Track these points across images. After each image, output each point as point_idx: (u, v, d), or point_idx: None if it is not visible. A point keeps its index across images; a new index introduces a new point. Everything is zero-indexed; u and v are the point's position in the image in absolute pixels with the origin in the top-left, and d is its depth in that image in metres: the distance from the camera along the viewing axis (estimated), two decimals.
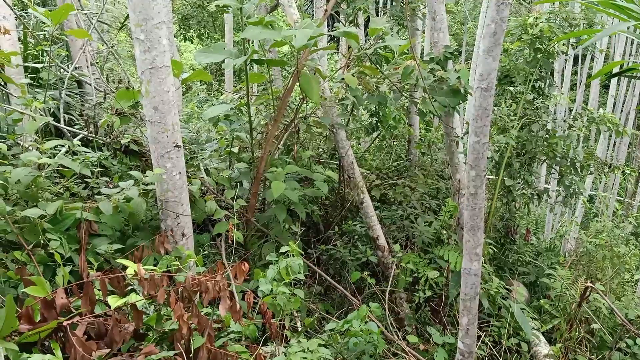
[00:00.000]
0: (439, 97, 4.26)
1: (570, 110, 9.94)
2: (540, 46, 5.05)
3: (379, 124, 5.43)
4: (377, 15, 9.14)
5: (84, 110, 4.42)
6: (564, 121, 5.58)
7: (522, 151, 5.16)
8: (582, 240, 5.97)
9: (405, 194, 5.03)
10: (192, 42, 17.75)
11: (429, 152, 5.88)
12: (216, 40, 16.30)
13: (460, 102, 4.25)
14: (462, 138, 4.66)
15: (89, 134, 4.11)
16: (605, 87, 12.09)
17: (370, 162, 6.02)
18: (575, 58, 11.86)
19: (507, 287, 4.32)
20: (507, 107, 5.21)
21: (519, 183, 5.26)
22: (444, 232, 4.52)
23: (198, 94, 10.33)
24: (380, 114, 5.33)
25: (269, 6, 6.19)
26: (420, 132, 6.41)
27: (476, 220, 2.55)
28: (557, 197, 5.63)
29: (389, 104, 4.54)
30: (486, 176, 2.68)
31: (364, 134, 6.38)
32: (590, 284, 4.27)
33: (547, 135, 5.13)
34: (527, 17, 5.23)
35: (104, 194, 3.03)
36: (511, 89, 5.39)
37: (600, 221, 5.86)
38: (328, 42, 6.43)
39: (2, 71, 4.12)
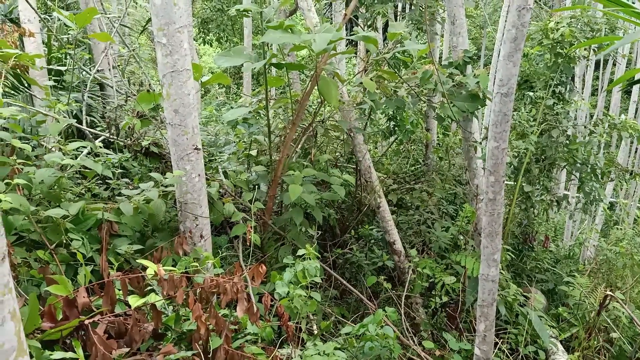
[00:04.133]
0: (457, 102, 4.25)
1: (591, 116, 9.81)
2: (561, 51, 5.00)
3: (396, 128, 5.42)
4: (396, 20, 9.13)
5: (105, 113, 4.49)
6: (585, 127, 5.51)
7: (541, 157, 5.10)
8: (602, 248, 5.88)
9: (423, 199, 5.01)
10: (211, 46, 17.92)
11: (446, 156, 5.86)
12: (235, 43, 16.42)
13: (479, 107, 4.23)
14: (480, 143, 4.63)
15: (111, 136, 4.17)
16: (627, 92, 11.92)
17: (388, 166, 6.01)
18: (597, 63, 11.71)
19: (524, 294, 4.27)
20: (527, 112, 5.17)
21: (537, 189, 5.21)
22: (461, 237, 4.50)
23: (217, 97, 10.42)
24: (398, 118, 5.33)
25: (288, 10, 6.23)
26: (438, 136, 6.39)
27: (494, 226, 2.54)
28: (577, 204, 5.56)
29: (407, 108, 4.53)
30: (505, 182, 2.66)
31: (381, 138, 6.37)
32: (610, 293, 4.21)
33: (568, 141, 5.07)
34: (548, 22, 5.19)
35: (124, 195, 3.08)
36: (531, 94, 5.35)
37: (621, 229, 5.77)
38: (346, 46, 6.44)
39: (26, 73, 4.21)
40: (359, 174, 4.79)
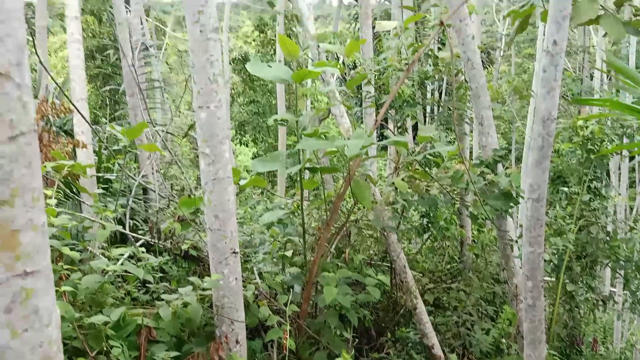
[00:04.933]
0: (490, 200, 4.28)
1: (631, 209, 9.59)
2: (592, 147, 5.05)
3: (430, 225, 5.43)
4: (425, 120, 9.45)
5: (148, 216, 4.69)
6: (625, 222, 5.40)
7: (582, 254, 4.98)
8: None
9: (460, 299, 4.88)
10: (247, 146, 18.74)
11: (482, 254, 5.77)
12: (270, 144, 17.14)
13: (513, 205, 4.24)
14: (516, 242, 4.58)
15: (152, 240, 4.32)
16: None
17: (422, 265, 5.94)
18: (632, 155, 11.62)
19: None
20: (562, 208, 5.13)
21: (581, 287, 5.02)
22: (503, 340, 4.31)
23: (252, 197, 10.72)
24: (431, 215, 5.36)
25: (321, 116, 6.56)
26: (472, 233, 6.34)
27: (537, 334, 2.46)
28: (624, 303, 5.30)
29: (440, 206, 4.58)
30: (546, 280, 2.61)
31: (415, 235, 6.36)
32: None
33: (608, 238, 4.96)
34: (576, 119, 5.29)
35: (164, 300, 3.14)
36: (565, 189, 5.33)
37: None
38: (379, 150, 6.66)
39: (77, 181, 4.49)
40: (394, 273, 4.75)
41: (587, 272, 4.97)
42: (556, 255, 4.83)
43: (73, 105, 4.20)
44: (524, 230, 2.33)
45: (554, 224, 4.87)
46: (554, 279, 5.05)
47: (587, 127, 5.06)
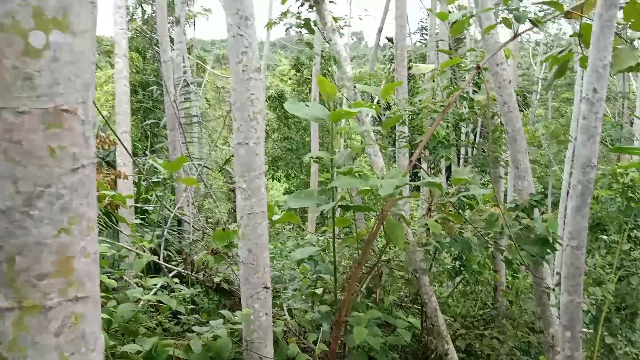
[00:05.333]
0: (526, 245, 4.19)
1: None
2: (632, 195, 4.92)
3: (462, 269, 5.34)
4: (459, 161, 9.41)
5: (182, 248, 4.77)
6: None
7: (622, 305, 4.79)
8: None
9: (493, 347, 4.74)
10: (279, 181, 18.95)
11: (517, 301, 5.60)
12: (302, 180, 17.29)
13: (549, 252, 4.14)
14: (553, 290, 4.45)
15: (185, 271, 4.39)
16: None
17: (454, 309, 5.80)
18: None
19: None
20: (602, 257, 4.98)
21: (620, 341, 4.81)
22: None
23: (283, 232, 10.81)
24: (464, 258, 5.27)
25: (355, 154, 6.61)
26: (506, 278, 6.19)
27: None
28: None
29: (473, 250, 4.51)
30: (583, 331, 2.52)
31: (446, 278, 6.25)
32: None
33: None
34: (616, 166, 5.19)
35: (195, 332, 3.16)
36: (605, 237, 5.19)
37: None
38: (411, 189, 6.65)
39: (116, 211, 4.63)
40: (425, 316, 4.66)
41: (627, 325, 4.77)
42: (595, 306, 4.66)
43: (117, 138, 4.38)
44: (562, 278, 2.28)
45: (593, 273, 4.72)
46: (592, 331, 4.86)
47: (627, 175, 4.95)
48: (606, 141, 13.48)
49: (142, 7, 17.39)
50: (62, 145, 1.04)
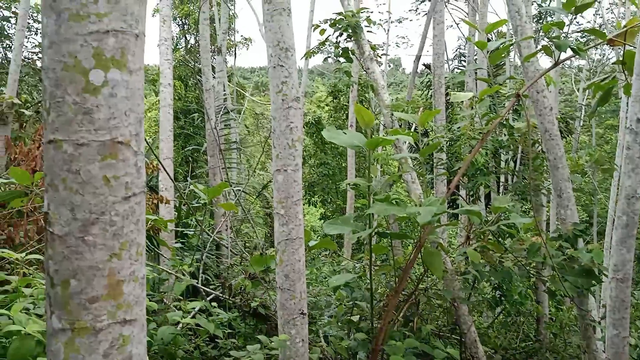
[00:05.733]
0: (570, 276, 4.07)
1: None
2: None
3: (503, 299, 5.20)
4: (498, 188, 9.25)
5: (220, 272, 4.84)
6: None
7: None
8: None
9: None
10: (315, 206, 19.01)
11: (561, 334, 5.40)
12: (338, 205, 17.30)
13: (595, 284, 4.00)
14: (599, 323, 4.28)
15: (222, 295, 4.44)
16: None
17: (495, 340, 5.63)
18: None
19: None
20: None
21: None
22: None
23: (319, 258, 10.80)
24: (505, 288, 5.13)
25: (392, 181, 6.60)
26: (550, 310, 5.98)
27: None
28: None
29: (514, 280, 4.40)
30: None
31: (486, 308, 6.09)
32: None
33: None
34: None
35: (232, 356, 3.19)
36: None
37: None
38: (449, 217, 6.57)
39: (158, 235, 4.75)
40: (464, 347, 4.55)
41: None
42: None
43: (161, 163, 4.54)
44: (607, 311, 2.21)
45: None
46: None
47: None
48: None
49: (185, 38, 18.06)
50: (116, 175, 1.11)
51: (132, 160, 1.14)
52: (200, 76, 7.23)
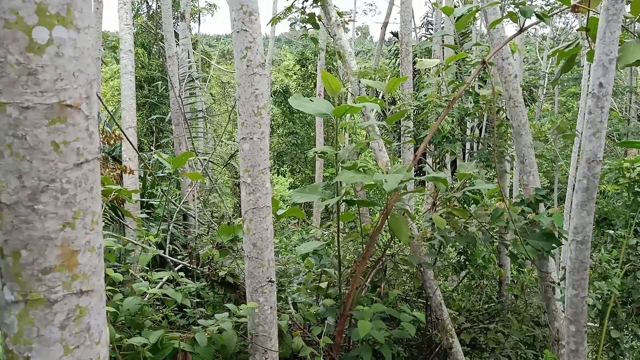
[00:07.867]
0: (531, 240, 4.19)
1: None
2: (639, 190, 4.90)
3: (467, 263, 5.33)
4: (464, 156, 9.39)
5: (188, 242, 4.79)
6: None
7: (628, 300, 4.78)
8: None
9: (498, 340, 4.74)
10: (284, 176, 18.97)
11: (522, 295, 5.60)
12: (307, 175, 17.30)
13: (555, 246, 4.13)
14: (558, 284, 4.44)
15: (190, 265, 4.41)
16: None
17: (459, 303, 5.80)
18: None
19: None
20: (608, 252, 4.96)
21: (626, 335, 4.80)
22: None
23: (288, 227, 10.83)
24: (469, 252, 5.26)
25: (359, 149, 6.61)
26: (512, 273, 6.18)
27: None
28: None
29: (478, 244, 4.51)
30: (589, 325, 2.53)
31: (451, 272, 6.25)
32: None
33: None
34: (622, 161, 5.16)
35: (200, 325, 3.18)
36: (611, 232, 5.16)
37: None
38: (416, 185, 6.64)
39: (122, 205, 4.65)
40: (430, 310, 4.67)
41: (632, 319, 4.75)
42: (600, 300, 4.64)
43: (123, 133, 4.41)
44: (567, 272, 2.28)
45: (599, 268, 4.70)
46: (597, 325, 4.85)
47: (634, 169, 4.92)
48: (613, 136, 13.39)
49: (147, 3, 17.41)
50: (66, 141, 1.05)
51: (83, 124, 1.08)
52: (163, 43, 7.00)
